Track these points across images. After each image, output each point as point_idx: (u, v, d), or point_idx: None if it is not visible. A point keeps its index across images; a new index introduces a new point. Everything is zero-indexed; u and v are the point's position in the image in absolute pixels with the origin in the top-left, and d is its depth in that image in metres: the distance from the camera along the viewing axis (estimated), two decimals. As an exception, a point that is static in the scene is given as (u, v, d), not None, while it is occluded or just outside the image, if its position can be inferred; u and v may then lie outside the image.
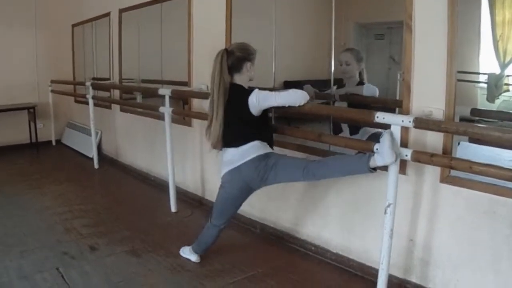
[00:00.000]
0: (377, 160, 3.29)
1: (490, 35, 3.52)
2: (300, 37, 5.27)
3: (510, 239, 3.12)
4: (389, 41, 4.46)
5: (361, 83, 4.39)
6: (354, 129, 4.32)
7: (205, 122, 4.06)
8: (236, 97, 3.82)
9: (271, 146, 3.98)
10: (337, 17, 4.15)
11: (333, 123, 4.38)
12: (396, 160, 3.23)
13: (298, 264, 4.40)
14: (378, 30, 4.59)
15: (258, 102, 3.73)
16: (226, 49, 3.89)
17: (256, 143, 3.85)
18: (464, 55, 3.36)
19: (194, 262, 4.37)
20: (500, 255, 3.17)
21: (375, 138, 3.48)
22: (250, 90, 3.81)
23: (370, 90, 4.31)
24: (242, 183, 3.95)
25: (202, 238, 4.36)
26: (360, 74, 4.39)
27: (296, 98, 3.72)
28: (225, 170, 3.98)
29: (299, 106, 3.74)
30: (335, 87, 4.39)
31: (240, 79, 3.90)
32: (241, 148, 3.85)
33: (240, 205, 4.18)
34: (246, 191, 4.05)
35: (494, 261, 3.21)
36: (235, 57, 3.84)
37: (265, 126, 3.89)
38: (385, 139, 3.20)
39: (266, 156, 3.85)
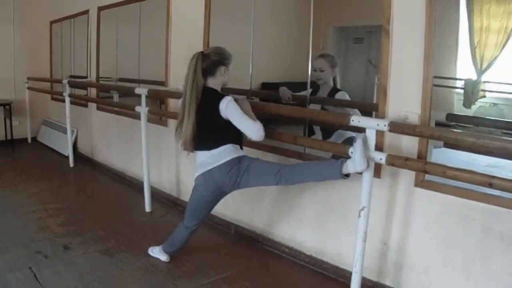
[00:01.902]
0: (349, 166, 3.31)
1: (467, 42, 3.55)
2: (278, 39, 5.28)
3: (482, 243, 3.15)
4: (368, 45, 4.49)
5: (335, 89, 4.41)
6: (327, 133, 4.34)
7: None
8: (208, 100, 3.82)
9: (241, 148, 3.99)
10: (316, 20, 4.15)
11: (306, 126, 4.39)
12: (367, 167, 3.24)
13: (272, 265, 4.40)
14: (357, 33, 4.61)
15: (225, 111, 3.74)
16: (202, 52, 3.90)
17: (228, 147, 3.86)
18: (441, 60, 3.39)
19: (167, 263, 4.35)
20: (473, 258, 3.20)
21: (350, 142, 3.47)
22: (222, 95, 3.81)
23: (342, 98, 4.34)
24: (215, 186, 3.95)
25: (173, 238, 4.36)
26: (334, 79, 4.40)
27: (253, 132, 3.72)
28: (198, 172, 3.99)
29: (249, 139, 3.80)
30: (310, 90, 4.39)
31: (214, 82, 3.91)
32: (214, 151, 3.86)
33: (213, 207, 4.18)
34: (219, 194, 4.06)
35: (466, 264, 3.24)
36: (210, 61, 3.85)
37: (237, 130, 3.85)
38: (357, 145, 3.22)
39: (238, 159, 3.86)
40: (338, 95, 4.37)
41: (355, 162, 3.25)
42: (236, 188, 3.97)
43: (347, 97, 4.32)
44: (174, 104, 5.67)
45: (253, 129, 3.71)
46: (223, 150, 3.85)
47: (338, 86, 4.40)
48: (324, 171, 3.59)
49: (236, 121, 3.74)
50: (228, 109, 3.73)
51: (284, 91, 4.60)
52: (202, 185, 4.01)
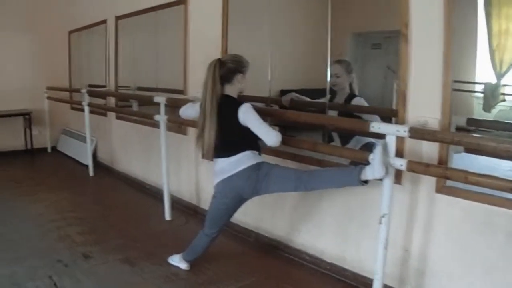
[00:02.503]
0: (367, 173, 3.30)
1: (486, 45, 3.51)
2: (296, 46, 5.27)
3: (505, 249, 3.10)
4: (386, 50, 4.46)
5: (352, 95, 4.39)
6: (345, 139, 4.32)
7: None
8: (226, 108, 3.83)
9: (259, 154, 3.98)
10: (334, 26, 4.14)
11: (325, 133, 4.37)
12: (386, 174, 3.23)
13: (293, 273, 4.37)
14: (374, 39, 4.58)
15: (243, 118, 3.76)
16: (219, 60, 3.90)
17: (247, 153, 3.87)
18: (460, 64, 3.35)
19: (187, 271, 4.34)
20: (496, 265, 3.15)
21: (368, 147, 3.51)
22: (240, 102, 3.82)
23: (359, 103, 4.33)
24: (234, 193, 3.96)
25: (193, 246, 4.35)
26: (350, 85, 4.39)
27: (269, 137, 3.74)
28: (217, 179, 3.99)
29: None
30: (329, 96, 4.38)
31: (231, 90, 3.92)
32: (233, 158, 3.87)
33: (233, 214, 4.18)
34: (238, 201, 4.05)
35: (490, 271, 3.19)
36: (227, 68, 3.86)
37: (254, 136, 3.85)
38: (377, 152, 3.20)
39: (258, 166, 3.86)
40: (355, 101, 4.35)
41: (373, 168, 3.23)
42: (256, 194, 3.97)
43: (364, 103, 4.31)
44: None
45: (269, 135, 3.73)
46: (242, 156, 3.85)
47: (356, 92, 4.38)
48: (343, 178, 3.59)
49: (254, 127, 3.75)
50: (247, 115, 3.75)
51: (287, 97, 4.65)
52: (222, 192, 4.01)
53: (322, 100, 4.40)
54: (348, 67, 4.39)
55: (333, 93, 4.46)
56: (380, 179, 3.28)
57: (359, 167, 3.39)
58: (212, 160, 4.03)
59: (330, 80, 4.33)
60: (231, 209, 4.11)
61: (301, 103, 4.67)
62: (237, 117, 3.76)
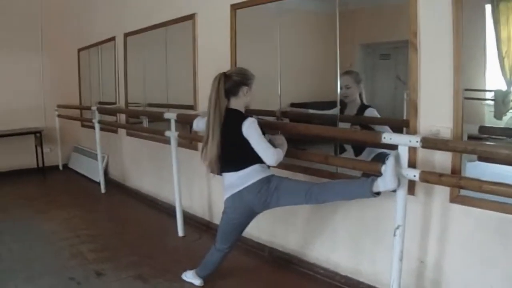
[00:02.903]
0: (379, 185, 3.29)
1: (495, 52, 3.49)
2: (305, 58, 5.25)
3: (522, 259, 3.07)
4: (395, 60, 4.44)
5: (363, 105, 4.38)
6: (358, 150, 4.30)
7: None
8: (231, 121, 3.85)
9: (268, 166, 3.97)
10: (342, 38, 4.14)
11: (336, 144, 4.36)
12: (398, 186, 3.22)
13: (307, 287, 4.35)
14: (383, 50, 4.56)
15: (246, 132, 3.78)
16: (224, 73, 3.93)
17: (256, 167, 3.87)
18: (470, 72, 3.33)
19: (201, 287, 4.32)
20: (513, 274, 3.12)
21: (381, 157, 3.53)
22: (245, 116, 3.85)
23: (372, 115, 4.31)
24: (245, 208, 3.95)
25: (206, 262, 4.33)
26: (360, 95, 4.38)
27: (267, 156, 3.76)
28: (227, 195, 3.99)
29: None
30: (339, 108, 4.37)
31: (236, 103, 3.94)
32: (241, 172, 3.88)
33: (244, 229, 4.17)
34: (249, 215, 4.05)
35: (506, 280, 3.15)
36: (233, 81, 3.90)
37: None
38: (389, 164, 3.20)
39: (267, 179, 3.86)
40: (368, 112, 4.33)
41: (385, 180, 3.22)
42: (266, 208, 3.96)
43: (376, 114, 4.29)
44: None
45: (267, 154, 3.75)
46: (251, 170, 3.85)
47: (365, 102, 4.37)
48: (355, 190, 3.58)
49: (254, 143, 3.77)
50: (249, 130, 3.77)
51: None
52: (231, 207, 4.00)
53: (331, 112, 4.40)
54: (357, 78, 4.38)
55: (343, 105, 4.43)
56: (394, 191, 3.26)
57: (370, 178, 3.37)
58: (217, 174, 4.03)
59: (340, 92, 4.32)
60: (242, 224, 4.10)
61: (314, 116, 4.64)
62: (241, 130, 3.78)
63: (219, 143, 3.83)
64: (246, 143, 3.79)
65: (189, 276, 4.42)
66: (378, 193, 3.37)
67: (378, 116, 4.26)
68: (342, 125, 4.34)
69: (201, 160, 4.05)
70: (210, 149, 3.86)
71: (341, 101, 4.34)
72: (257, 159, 3.84)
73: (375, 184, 3.32)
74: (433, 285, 3.61)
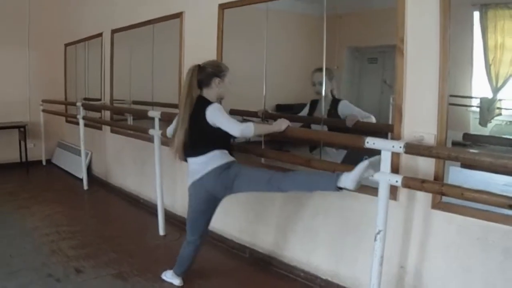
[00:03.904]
0: (342, 180, 3.32)
1: (482, 59, 3.50)
2: (292, 60, 5.25)
3: (503, 266, 3.07)
4: (382, 65, 4.45)
5: (336, 100, 4.43)
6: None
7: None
8: (198, 108, 3.92)
9: (230, 153, 4.07)
10: (330, 41, 4.14)
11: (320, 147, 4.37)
12: (355, 188, 3.28)
13: (287, 290, 4.32)
14: (371, 54, 4.57)
15: (210, 114, 3.85)
16: (198, 65, 4.04)
17: (216, 153, 3.94)
18: (456, 79, 3.34)
19: (180, 287, 4.30)
20: (494, 282, 3.12)
21: (351, 156, 3.72)
22: (210, 102, 3.94)
23: (346, 107, 4.39)
24: (207, 194, 4.01)
25: (180, 258, 4.34)
26: (332, 91, 4.42)
27: (234, 129, 3.79)
28: (189, 181, 4.06)
29: (251, 136, 3.88)
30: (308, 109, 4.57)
31: (208, 93, 4.04)
32: (201, 158, 3.95)
33: (210, 217, 4.20)
34: (213, 202, 4.10)
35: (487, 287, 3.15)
36: (206, 73, 4.01)
37: (224, 136, 3.95)
38: (360, 166, 3.24)
39: (227, 165, 3.94)
40: (342, 104, 4.40)
41: (348, 178, 3.26)
42: (229, 193, 4.03)
43: (349, 105, 4.36)
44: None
45: (232, 126, 3.79)
46: (212, 156, 3.93)
47: (336, 96, 4.44)
48: (319, 181, 3.60)
49: (219, 122, 3.84)
50: (213, 112, 3.86)
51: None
52: (194, 195, 4.08)
53: (302, 113, 4.65)
54: (330, 74, 4.41)
55: (315, 102, 4.57)
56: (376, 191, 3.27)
57: (336, 173, 3.40)
58: (183, 160, 4.09)
59: (314, 89, 4.45)
60: (206, 212, 4.14)
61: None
62: (205, 116, 3.85)
63: (187, 129, 3.91)
64: (208, 128, 3.88)
65: (169, 276, 4.40)
66: (341, 188, 3.38)
67: (352, 106, 4.34)
68: (313, 127, 4.45)
69: (169, 147, 4.12)
70: (178, 135, 3.95)
71: (312, 101, 4.55)
72: (218, 145, 3.96)
73: (340, 179, 3.33)
74: (413, 291, 3.61)
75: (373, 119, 4.20)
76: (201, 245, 4.27)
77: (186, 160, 4.07)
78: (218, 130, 3.85)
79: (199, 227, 4.17)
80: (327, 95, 4.40)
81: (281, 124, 3.89)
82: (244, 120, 4.52)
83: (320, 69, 4.37)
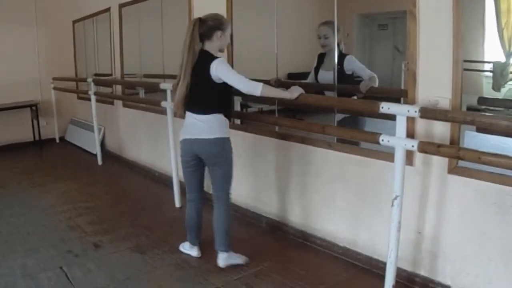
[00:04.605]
0: (224, 253, 4.16)
1: (494, 24, 3.46)
2: (303, 29, 5.22)
3: (520, 230, 3.06)
4: (393, 31, 4.42)
5: (342, 54, 4.40)
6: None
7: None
8: (201, 62, 3.92)
9: (228, 118, 4.11)
10: (340, 8, 4.10)
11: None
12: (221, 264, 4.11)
13: (305, 258, 4.34)
14: (381, 20, 4.54)
15: (215, 71, 3.83)
16: (199, 18, 4.01)
17: (216, 118, 3.98)
18: (468, 43, 3.30)
19: (198, 258, 4.34)
20: (510, 246, 3.11)
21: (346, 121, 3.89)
22: (215, 57, 3.93)
23: (350, 63, 4.37)
24: (194, 155, 4.12)
25: (186, 221, 4.39)
26: (338, 44, 4.37)
27: (244, 85, 3.81)
28: (182, 136, 4.17)
29: (257, 95, 3.81)
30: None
31: (210, 46, 4.02)
32: (201, 116, 3.99)
33: (202, 173, 4.27)
34: (201, 160, 4.15)
35: (504, 252, 3.15)
36: (207, 26, 3.97)
37: (226, 96, 4.05)
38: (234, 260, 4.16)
39: (222, 143, 4.02)
40: (347, 59, 4.37)
41: (224, 257, 4.16)
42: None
43: (355, 60, 4.35)
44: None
45: (240, 81, 3.81)
46: (212, 120, 3.97)
47: (343, 51, 4.41)
48: (226, 231, 4.16)
49: (228, 77, 3.85)
50: (218, 66, 3.84)
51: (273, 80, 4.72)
52: (183, 150, 4.20)
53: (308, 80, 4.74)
54: (335, 28, 4.37)
55: (322, 55, 4.61)
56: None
57: (227, 246, 4.15)
58: (181, 117, 4.15)
59: (319, 41, 4.49)
60: (199, 168, 4.22)
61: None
62: (210, 72, 3.85)
63: (189, 83, 3.91)
64: (212, 84, 3.89)
65: (186, 248, 4.44)
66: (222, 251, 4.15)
67: (357, 62, 4.34)
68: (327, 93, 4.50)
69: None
70: (179, 89, 3.95)
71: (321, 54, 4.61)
72: (220, 107, 4.01)
73: (224, 249, 4.15)
74: (430, 256, 3.61)
75: (376, 78, 4.21)
76: (202, 204, 4.35)
77: (184, 117, 4.13)
78: (222, 87, 3.90)
79: (194, 183, 4.29)
80: (333, 48, 4.39)
81: (293, 92, 3.86)
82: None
83: (325, 23, 4.44)
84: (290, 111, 4.62)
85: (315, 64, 4.68)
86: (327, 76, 4.49)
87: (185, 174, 4.30)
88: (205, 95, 3.94)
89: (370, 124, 4.15)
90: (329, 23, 4.40)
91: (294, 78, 5.05)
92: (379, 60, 4.57)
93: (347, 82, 4.34)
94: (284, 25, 4.79)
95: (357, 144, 4.07)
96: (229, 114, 4.11)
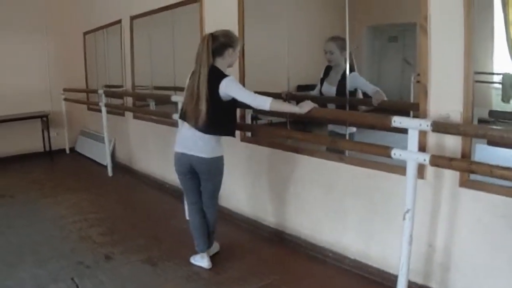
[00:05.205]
0: (198, 255, 4.45)
1: (503, 35, 3.46)
2: (313, 41, 5.23)
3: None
4: (403, 43, 4.43)
5: (348, 71, 4.41)
6: None
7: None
8: (211, 79, 3.97)
9: (232, 135, 4.29)
10: (349, 20, 4.12)
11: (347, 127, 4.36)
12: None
13: (316, 270, 4.34)
14: (391, 32, 4.55)
15: (226, 86, 3.95)
16: (211, 34, 4.07)
17: (212, 138, 4.15)
18: (477, 55, 3.30)
19: (209, 270, 4.35)
20: (522, 259, 3.11)
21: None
22: (225, 75, 4.03)
23: (354, 80, 4.38)
24: (191, 168, 4.29)
25: (191, 228, 4.52)
26: (346, 61, 4.40)
27: (256, 101, 3.91)
28: (178, 149, 4.33)
29: (266, 110, 3.90)
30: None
31: (221, 63, 4.11)
32: (199, 134, 4.11)
33: (199, 180, 4.38)
34: (196, 173, 4.33)
35: (516, 265, 3.15)
36: (219, 42, 4.06)
37: (230, 115, 4.20)
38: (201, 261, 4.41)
39: (211, 164, 4.22)
40: (351, 76, 4.37)
41: (197, 257, 4.47)
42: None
43: (359, 77, 4.37)
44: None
45: (249, 96, 3.92)
46: (209, 140, 4.14)
47: (355, 69, 4.42)
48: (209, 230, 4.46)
49: (235, 93, 3.97)
50: (228, 85, 3.96)
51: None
52: (180, 163, 4.36)
53: (313, 92, 4.80)
54: (341, 44, 4.43)
55: (329, 68, 4.67)
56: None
57: (205, 247, 4.42)
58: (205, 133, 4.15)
59: (325, 56, 4.57)
60: (193, 177, 4.37)
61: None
62: (219, 90, 3.96)
63: (207, 100, 3.95)
64: (217, 101, 4.00)
65: (197, 259, 4.45)
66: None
67: (361, 79, 4.36)
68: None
69: (183, 117, 4.25)
70: (200, 107, 3.96)
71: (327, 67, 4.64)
72: (219, 130, 4.18)
73: (199, 249, 4.43)
74: (442, 269, 3.61)
75: (381, 92, 4.23)
76: (199, 209, 4.46)
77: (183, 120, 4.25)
78: (228, 105, 4.04)
79: (190, 193, 4.48)
80: (340, 64, 4.48)
81: (305, 107, 3.87)
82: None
83: (332, 39, 4.51)
84: (301, 124, 4.64)
85: (321, 76, 4.72)
86: (330, 89, 4.58)
87: (183, 183, 4.46)
88: (209, 112, 3.98)
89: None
90: (335, 39, 4.48)
91: (303, 90, 5.07)
92: (388, 72, 4.59)
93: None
94: (295, 37, 4.82)
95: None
96: (231, 132, 4.27)
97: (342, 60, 4.46)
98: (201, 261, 4.43)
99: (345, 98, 4.36)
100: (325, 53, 4.58)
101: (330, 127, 4.63)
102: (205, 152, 4.13)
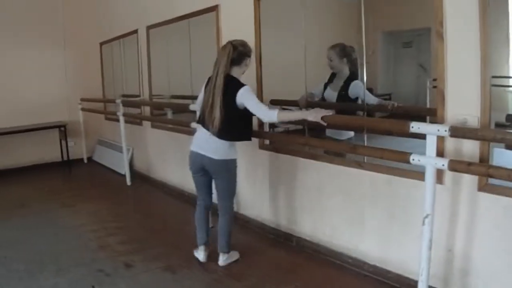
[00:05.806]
0: (225, 254, 4.61)
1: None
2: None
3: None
4: (417, 48, 4.43)
5: (351, 78, 4.55)
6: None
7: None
8: (229, 87, 4.11)
9: (248, 139, 4.48)
10: (365, 26, 4.13)
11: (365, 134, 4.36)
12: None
13: (335, 277, 4.35)
14: (406, 37, 4.55)
15: (241, 97, 4.11)
16: (231, 43, 4.18)
17: (225, 143, 4.30)
18: (493, 59, 3.30)
19: (229, 277, 4.37)
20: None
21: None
22: (242, 84, 4.18)
23: (355, 88, 4.47)
24: (202, 167, 4.48)
25: (195, 223, 4.80)
26: (349, 69, 4.55)
27: (263, 114, 4.11)
28: (193, 147, 4.53)
29: (275, 121, 4.26)
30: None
31: (237, 71, 4.30)
32: (212, 138, 4.28)
33: (210, 180, 4.62)
34: (208, 172, 4.52)
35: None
36: (238, 52, 4.21)
37: (245, 121, 4.33)
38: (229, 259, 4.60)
39: (221, 165, 4.38)
40: (353, 84, 4.49)
41: (224, 257, 4.60)
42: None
43: (361, 86, 4.36)
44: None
45: (260, 110, 4.09)
46: (222, 144, 4.30)
47: (357, 77, 4.46)
48: (228, 235, 4.62)
49: (249, 104, 4.11)
50: (244, 94, 4.11)
51: (302, 99, 4.85)
52: (192, 161, 4.57)
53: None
54: (341, 52, 4.59)
55: (333, 75, 4.75)
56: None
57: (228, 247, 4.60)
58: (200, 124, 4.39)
59: (327, 63, 4.68)
60: (205, 175, 4.58)
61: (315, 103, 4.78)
62: (236, 98, 4.13)
63: (221, 106, 4.08)
64: (233, 108, 4.15)
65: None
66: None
67: (363, 87, 4.34)
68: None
69: (200, 123, 4.41)
70: (215, 115, 4.13)
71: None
72: (233, 136, 4.33)
73: (225, 250, 4.59)
74: (461, 274, 3.60)
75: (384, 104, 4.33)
76: (210, 206, 4.81)
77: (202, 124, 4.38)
78: (243, 113, 4.15)
79: (204, 187, 4.69)
80: (343, 70, 4.59)
81: (313, 114, 3.92)
82: (283, 109, 4.56)
83: (332, 47, 4.64)
84: (317, 130, 4.66)
85: (326, 81, 4.78)
86: (332, 95, 4.68)
87: (194, 180, 4.69)
88: (223, 119, 4.10)
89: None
90: (334, 47, 4.63)
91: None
92: (403, 78, 4.58)
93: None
94: (311, 45, 4.82)
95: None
96: (245, 138, 4.46)
97: (344, 67, 4.59)
98: (198, 253, 4.71)
99: (345, 104, 4.51)
100: (328, 60, 4.68)
101: (328, 132, 4.71)
102: (217, 154, 4.30)
